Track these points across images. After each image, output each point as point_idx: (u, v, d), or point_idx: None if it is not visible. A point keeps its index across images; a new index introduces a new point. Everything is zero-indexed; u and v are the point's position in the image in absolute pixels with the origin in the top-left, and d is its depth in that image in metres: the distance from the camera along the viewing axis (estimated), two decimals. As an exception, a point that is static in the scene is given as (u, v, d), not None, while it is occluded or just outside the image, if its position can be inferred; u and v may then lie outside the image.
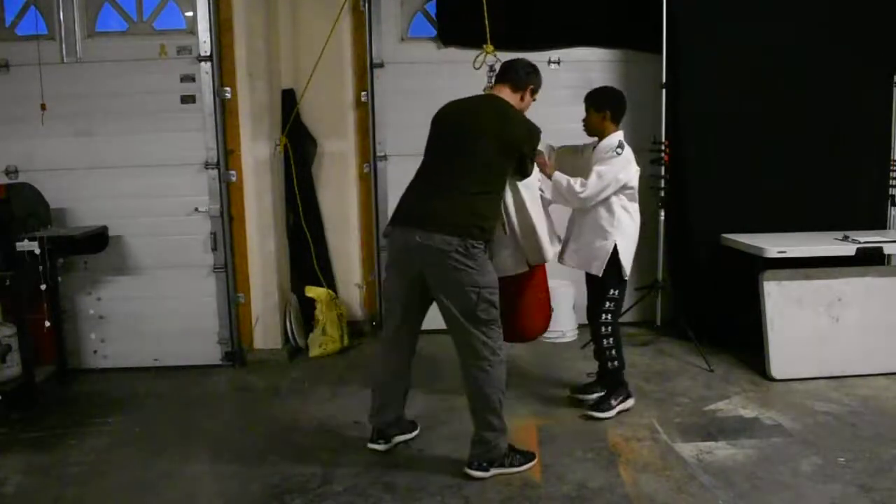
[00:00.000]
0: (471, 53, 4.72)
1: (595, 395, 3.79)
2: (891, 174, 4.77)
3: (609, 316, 3.64)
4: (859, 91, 4.65)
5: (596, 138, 3.66)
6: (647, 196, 4.89)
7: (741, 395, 3.90)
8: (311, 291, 4.82)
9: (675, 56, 4.63)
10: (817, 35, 4.57)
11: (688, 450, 3.24)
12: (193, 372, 4.46)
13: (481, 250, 2.97)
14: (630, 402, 3.72)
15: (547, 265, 3.55)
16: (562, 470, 3.07)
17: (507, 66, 3.23)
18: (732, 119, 4.62)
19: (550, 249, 3.39)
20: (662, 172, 4.62)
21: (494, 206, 3.06)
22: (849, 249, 4.14)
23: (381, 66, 4.94)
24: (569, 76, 5.04)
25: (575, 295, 4.98)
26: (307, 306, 4.85)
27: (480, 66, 3.54)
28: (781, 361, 4.08)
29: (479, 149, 2.98)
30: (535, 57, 4.96)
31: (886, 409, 3.66)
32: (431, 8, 5.04)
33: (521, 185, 3.23)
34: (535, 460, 3.13)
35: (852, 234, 4.28)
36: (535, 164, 3.42)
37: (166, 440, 3.48)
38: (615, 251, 3.56)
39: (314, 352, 4.74)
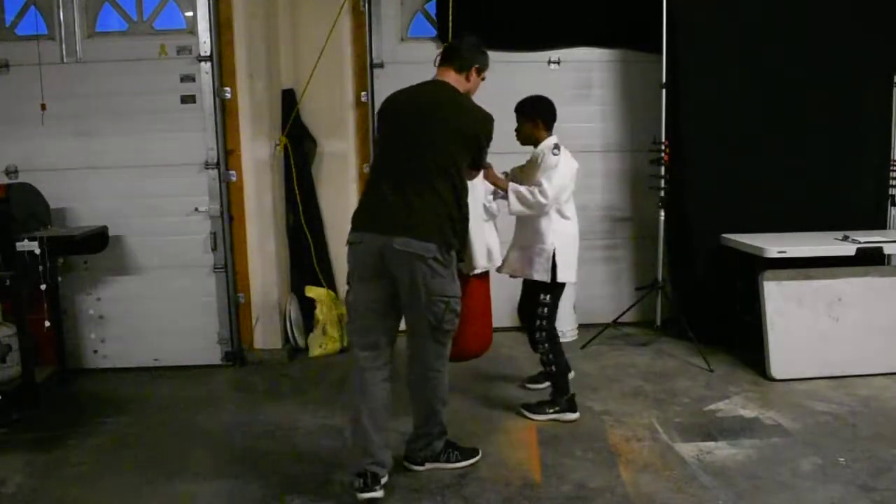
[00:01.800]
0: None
1: (543, 385, 3.90)
2: (891, 174, 4.77)
3: (544, 322, 3.58)
4: (859, 91, 4.66)
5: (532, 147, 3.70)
6: (648, 196, 4.92)
7: (741, 395, 3.90)
8: (311, 291, 4.82)
9: (675, 56, 4.63)
10: (817, 35, 4.57)
11: (688, 450, 3.24)
12: (193, 372, 4.46)
13: (455, 257, 2.89)
14: (570, 417, 3.58)
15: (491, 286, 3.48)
16: (562, 470, 3.06)
17: (450, 47, 3.11)
18: (732, 119, 4.62)
19: (482, 259, 3.27)
20: (662, 172, 4.62)
21: (464, 202, 2.92)
22: (849, 249, 4.14)
23: (381, 66, 4.94)
24: (569, 76, 5.06)
25: (576, 295, 4.99)
26: (307, 306, 4.85)
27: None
28: (781, 361, 4.08)
29: (441, 141, 2.84)
30: (535, 57, 5.05)
31: (886, 409, 3.66)
32: (431, 8, 5.05)
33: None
34: (478, 457, 3.13)
35: (852, 234, 4.28)
36: (487, 177, 3.43)
37: (166, 440, 3.48)
38: (553, 255, 3.53)
39: (314, 352, 4.74)
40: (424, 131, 2.85)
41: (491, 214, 3.46)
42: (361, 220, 2.89)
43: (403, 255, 2.74)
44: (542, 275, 3.55)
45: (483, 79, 3.12)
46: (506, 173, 3.75)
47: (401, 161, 2.88)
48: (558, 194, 3.49)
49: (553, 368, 3.60)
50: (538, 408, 3.62)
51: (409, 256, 2.74)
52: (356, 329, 2.92)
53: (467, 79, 3.03)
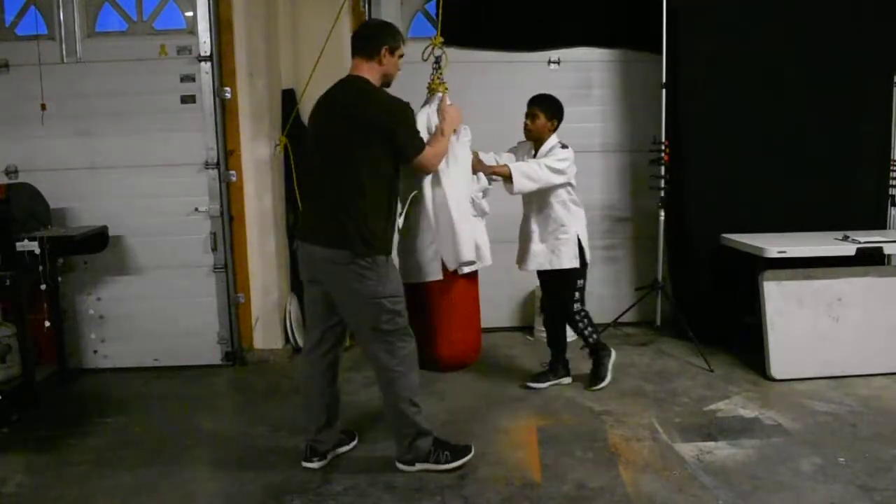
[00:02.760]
0: (471, 54, 4.75)
1: (547, 384, 4.01)
2: (891, 174, 4.77)
3: (580, 304, 3.90)
4: (859, 91, 4.65)
5: (531, 143, 3.82)
6: (648, 196, 4.92)
7: (741, 395, 3.90)
8: (311, 291, 4.81)
9: (675, 56, 4.62)
10: (817, 34, 4.57)
11: (688, 450, 3.24)
12: (193, 372, 4.46)
13: (383, 259, 2.86)
14: (613, 355, 4.06)
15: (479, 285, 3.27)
16: (562, 470, 3.06)
17: (354, 34, 2.98)
18: (732, 119, 4.61)
19: (467, 253, 3.04)
20: (662, 172, 4.61)
21: (384, 206, 2.85)
22: (849, 249, 4.14)
23: (381, 66, 4.93)
24: (569, 76, 5.05)
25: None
26: (307, 306, 4.85)
27: (427, 58, 3.36)
28: (781, 361, 4.08)
29: (347, 143, 2.78)
30: (535, 57, 5.05)
31: (886, 409, 3.66)
32: (431, 8, 5.05)
33: (452, 176, 3.02)
34: (471, 454, 3.10)
35: (852, 234, 4.28)
36: (480, 169, 3.32)
37: (166, 440, 3.48)
38: (578, 240, 3.80)
39: (314, 352, 4.74)
40: (331, 136, 2.86)
41: (481, 211, 3.28)
42: (297, 228, 3.09)
43: (324, 263, 2.86)
44: (571, 261, 3.78)
45: (401, 56, 2.96)
46: (497, 159, 3.72)
47: (315, 168, 2.95)
48: (560, 171, 3.63)
49: (595, 337, 3.96)
50: (596, 376, 3.98)
51: (330, 265, 2.84)
52: (307, 324, 3.15)
53: (380, 63, 2.89)
